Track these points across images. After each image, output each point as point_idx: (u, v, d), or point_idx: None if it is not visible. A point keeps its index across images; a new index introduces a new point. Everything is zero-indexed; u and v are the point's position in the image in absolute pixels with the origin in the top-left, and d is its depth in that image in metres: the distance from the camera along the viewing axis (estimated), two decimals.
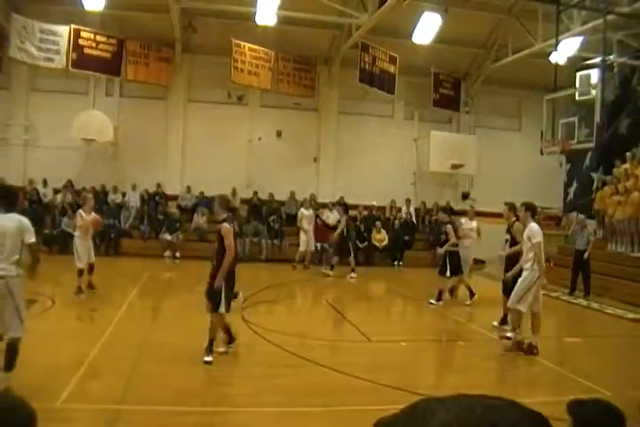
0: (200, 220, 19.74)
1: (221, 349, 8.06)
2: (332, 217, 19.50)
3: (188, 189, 20.87)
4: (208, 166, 20.49)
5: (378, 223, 20.07)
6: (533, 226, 8.79)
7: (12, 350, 5.94)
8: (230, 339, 8.17)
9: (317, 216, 19.21)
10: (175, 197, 20.80)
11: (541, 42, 18.86)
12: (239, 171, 21.08)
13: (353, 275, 16.66)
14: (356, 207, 20.93)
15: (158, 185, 20.70)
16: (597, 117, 17.77)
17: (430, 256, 20.62)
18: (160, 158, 20.91)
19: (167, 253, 18.87)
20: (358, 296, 14.74)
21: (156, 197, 20.50)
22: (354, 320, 10.85)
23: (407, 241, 20.74)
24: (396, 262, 20.09)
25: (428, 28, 18.70)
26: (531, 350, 8.72)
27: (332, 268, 16.91)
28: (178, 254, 18.84)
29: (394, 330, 10.87)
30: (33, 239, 6.07)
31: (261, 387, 6.78)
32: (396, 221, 21.09)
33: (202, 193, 20.74)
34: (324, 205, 19.96)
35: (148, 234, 19.39)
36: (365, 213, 20.98)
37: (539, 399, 6.67)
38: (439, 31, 18.69)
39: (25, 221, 6.11)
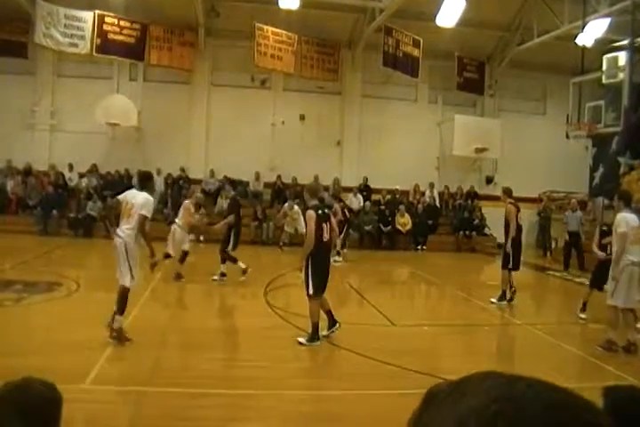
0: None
1: (324, 332, 8.15)
2: (355, 202, 19.53)
3: (212, 172, 20.95)
4: (232, 150, 20.54)
5: (402, 207, 20.04)
6: (620, 215, 8.31)
7: (122, 296, 7.38)
8: (331, 322, 8.26)
9: (341, 201, 19.22)
10: (199, 181, 20.88)
11: (567, 24, 18.53)
12: (263, 154, 21.11)
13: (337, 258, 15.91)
14: (379, 191, 20.93)
15: (182, 169, 20.81)
16: (625, 101, 17.47)
17: (453, 240, 20.62)
18: (184, 142, 21.01)
19: (191, 236, 18.94)
20: (381, 280, 14.75)
21: (180, 181, 20.61)
22: (377, 304, 10.87)
23: (431, 225, 20.70)
24: (419, 246, 20.07)
25: (452, 10, 18.45)
26: (628, 349, 8.16)
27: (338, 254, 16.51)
28: (202, 238, 18.94)
29: (418, 314, 10.89)
30: (144, 212, 7.45)
31: (286, 370, 6.83)
32: (420, 206, 21.04)
33: (225, 177, 20.81)
34: (350, 190, 20.11)
35: (172, 218, 19.48)
36: (389, 196, 20.98)
37: (565, 385, 6.67)
38: (463, 14, 18.43)
39: (150, 199, 7.63)
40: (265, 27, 19.50)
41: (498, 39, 22.38)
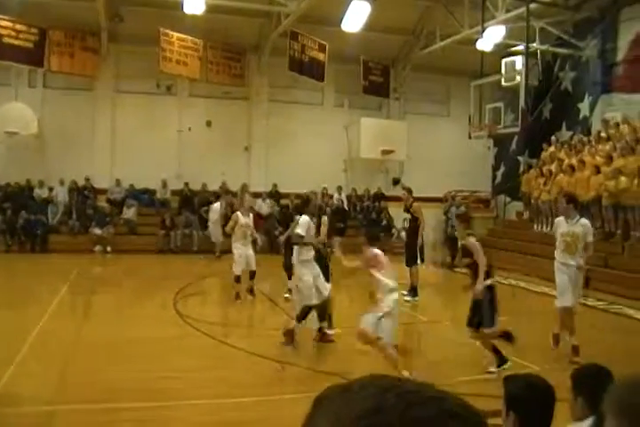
0: (129, 212, 19.46)
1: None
2: (264, 207, 19.50)
3: (118, 182, 20.41)
4: (138, 158, 20.01)
5: None
6: (588, 222, 8.20)
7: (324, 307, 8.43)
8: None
9: (251, 207, 19.15)
10: (104, 191, 20.35)
11: (468, 29, 19.10)
12: (169, 162, 20.71)
13: None
14: (287, 195, 20.96)
15: (87, 179, 20.18)
16: (522, 102, 18.21)
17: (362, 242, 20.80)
18: (88, 151, 20.32)
19: (98, 247, 18.50)
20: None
21: (85, 191, 20.00)
22: (287, 309, 10.88)
23: (340, 228, 20.82)
24: (328, 249, 20.12)
25: (356, 15, 18.68)
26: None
27: None
28: (109, 249, 18.50)
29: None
30: (297, 231, 8.59)
31: (198, 379, 6.76)
32: (328, 209, 21.12)
33: (132, 186, 20.38)
34: (258, 195, 20.05)
35: (78, 229, 18.95)
36: (297, 201, 21.00)
37: (471, 377, 6.92)
38: (368, 19, 18.69)
39: (301, 219, 8.75)
40: (170, 32, 19.20)
41: (402, 43, 22.80)
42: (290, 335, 8.07)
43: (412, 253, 12.07)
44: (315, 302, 8.20)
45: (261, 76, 21.82)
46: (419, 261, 12.05)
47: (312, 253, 8.58)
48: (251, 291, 11.64)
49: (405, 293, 11.56)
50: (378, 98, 22.95)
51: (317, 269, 8.53)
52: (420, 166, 21.95)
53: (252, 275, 11.57)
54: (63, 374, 6.71)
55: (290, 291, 11.22)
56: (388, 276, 6.94)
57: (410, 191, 12.16)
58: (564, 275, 8.09)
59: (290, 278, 11.48)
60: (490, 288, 7.17)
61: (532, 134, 19.24)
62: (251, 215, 11.36)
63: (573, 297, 8.06)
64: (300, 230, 8.52)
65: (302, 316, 8.21)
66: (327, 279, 8.76)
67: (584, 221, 8.08)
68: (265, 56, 21.43)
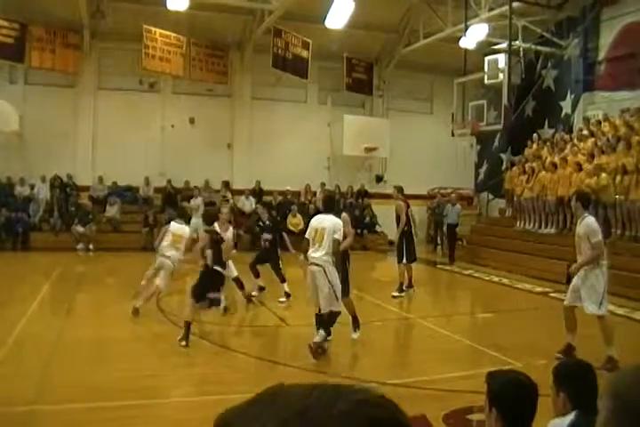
0: (112, 210, 19.33)
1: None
2: (247, 204, 19.44)
3: (100, 179, 20.26)
4: (120, 155, 19.87)
5: (294, 207, 20.06)
6: (591, 221, 7.57)
7: (331, 318, 7.76)
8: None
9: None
10: (87, 188, 20.19)
11: (451, 27, 19.20)
12: (152, 159, 20.55)
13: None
14: (270, 193, 20.93)
15: (69, 176, 20.01)
16: (505, 100, 18.32)
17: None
18: (70, 148, 20.17)
19: (80, 245, 18.35)
20: (276, 281, 14.73)
21: (67, 189, 19.83)
22: (270, 305, 10.88)
23: None
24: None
25: (340, 12, 18.69)
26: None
27: None
28: (91, 246, 18.36)
29: (310, 314, 10.94)
30: (336, 236, 7.55)
31: (180, 377, 6.73)
32: (312, 206, 21.11)
33: (114, 183, 20.24)
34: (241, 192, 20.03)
35: (60, 227, 18.78)
36: (280, 198, 20.98)
37: (455, 374, 6.94)
38: (352, 16, 18.71)
39: (338, 221, 7.69)
40: (153, 29, 19.08)
41: (385, 41, 22.84)
42: (320, 349, 7.51)
43: (397, 251, 12.35)
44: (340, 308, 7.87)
45: (245, 73, 21.75)
46: (404, 260, 12.17)
47: None
48: (248, 300, 11.12)
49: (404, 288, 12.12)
50: (361, 95, 23.01)
51: None
52: (402, 164, 21.99)
53: (240, 284, 11.02)
54: (45, 374, 6.64)
55: (287, 295, 11.19)
56: (167, 244, 10.03)
57: (398, 190, 12.41)
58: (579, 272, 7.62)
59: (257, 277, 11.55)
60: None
61: (515, 132, 19.36)
62: (230, 229, 10.21)
63: (574, 297, 7.57)
64: (338, 235, 7.63)
65: (329, 325, 7.77)
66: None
67: (588, 220, 7.57)
68: (248, 53, 21.37)
